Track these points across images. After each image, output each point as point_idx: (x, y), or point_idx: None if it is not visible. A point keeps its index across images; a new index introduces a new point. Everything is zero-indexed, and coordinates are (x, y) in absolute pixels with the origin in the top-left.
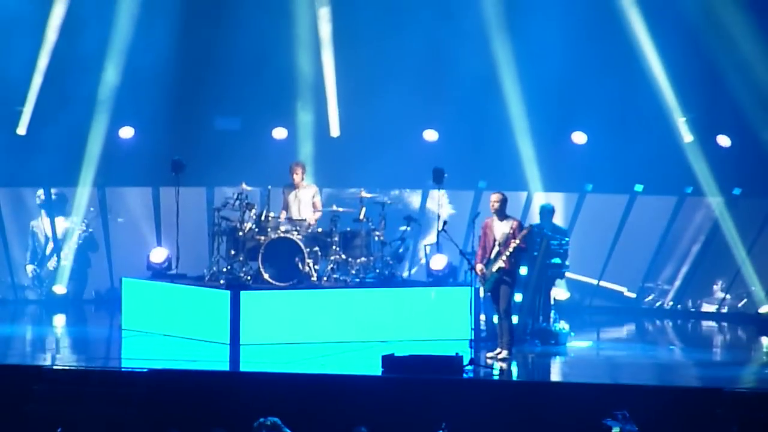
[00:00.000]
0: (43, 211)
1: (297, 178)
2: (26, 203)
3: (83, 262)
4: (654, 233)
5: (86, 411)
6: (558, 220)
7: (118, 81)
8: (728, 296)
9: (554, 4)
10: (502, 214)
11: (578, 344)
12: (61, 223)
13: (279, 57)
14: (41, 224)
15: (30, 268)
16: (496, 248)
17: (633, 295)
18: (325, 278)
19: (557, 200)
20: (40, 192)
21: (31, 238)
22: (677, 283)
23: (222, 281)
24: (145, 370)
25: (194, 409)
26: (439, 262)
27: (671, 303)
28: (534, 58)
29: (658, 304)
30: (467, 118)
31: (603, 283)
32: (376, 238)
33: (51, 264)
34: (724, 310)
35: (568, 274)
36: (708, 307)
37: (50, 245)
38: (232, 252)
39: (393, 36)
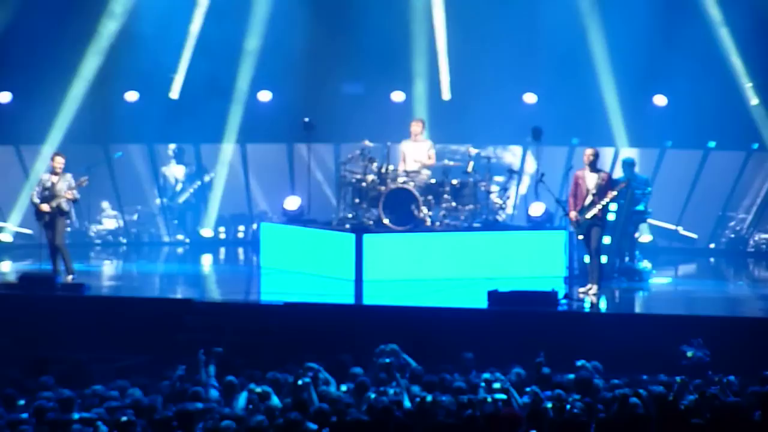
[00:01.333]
0: (173, 161)
1: (417, 129)
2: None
3: (202, 203)
4: (726, 184)
5: (230, 339)
6: (639, 172)
7: (258, 50)
8: None
9: None
10: (593, 167)
11: (659, 281)
12: (182, 170)
13: (398, 29)
14: (171, 171)
15: (158, 201)
16: (590, 197)
17: (695, 236)
18: (437, 223)
19: (639, 155)
20: (172, 146)
21: (163, 180)
22: (746, 225)
23: (347, 226)
24: (281, 303)
25: (323, 338)
26: (537, 209)
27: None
28: (621, 29)
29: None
30: (562, 83)
31: (681, 230)
32: (482, 188)
33: (181, 199)
34: None
35: (649, 220)
36: None
37: (179, 186)
38: (356, 200)
39: (497, 10)
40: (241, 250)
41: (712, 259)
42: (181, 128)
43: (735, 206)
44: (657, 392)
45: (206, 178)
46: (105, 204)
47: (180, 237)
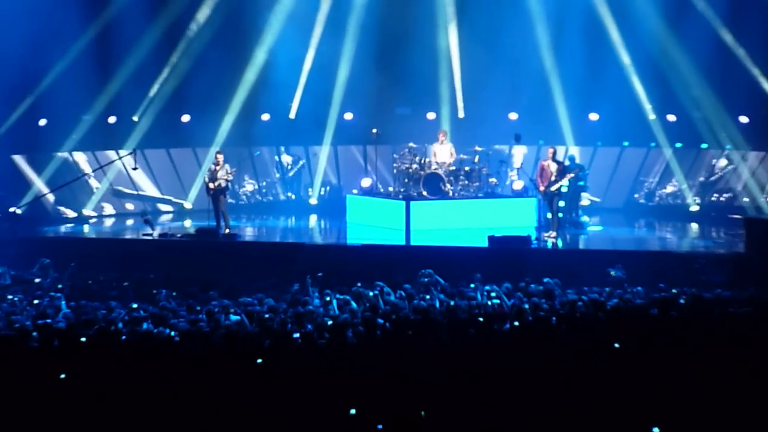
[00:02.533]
0: (284, 153)
1: (442, 137)
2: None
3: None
4: (634, 168)
5: (327, 268)
6: (579, 161)
7: (343, 85)
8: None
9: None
10: (554, 159)
11: (593, 228)
12: (290, 159)
13: (430, 71)
14: (284, 158)
15: (276, 175)
16: (553, 177)
17: (598, 199)
18: (456, 194)
19: (580, 151)
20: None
21: (279, 163)
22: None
23: (400, 196)
24: (359, 244)
25: (386, 266)
26: (518, 185)
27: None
28: (568, 65)
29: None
30: (533, 105)
31: (589, 196)
32: (484, 172)
33: (290, 173)
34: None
35: (584, 194)
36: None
37: (288, 167)
38: (406, 180)
39: (493, 55)
40: (333, 213)
41: (632, 217)
42: (296, 136)
43: (641, 184)
44: (593, 298)
45: (301, 163)
46: (246, 177)
47: (291, 196)
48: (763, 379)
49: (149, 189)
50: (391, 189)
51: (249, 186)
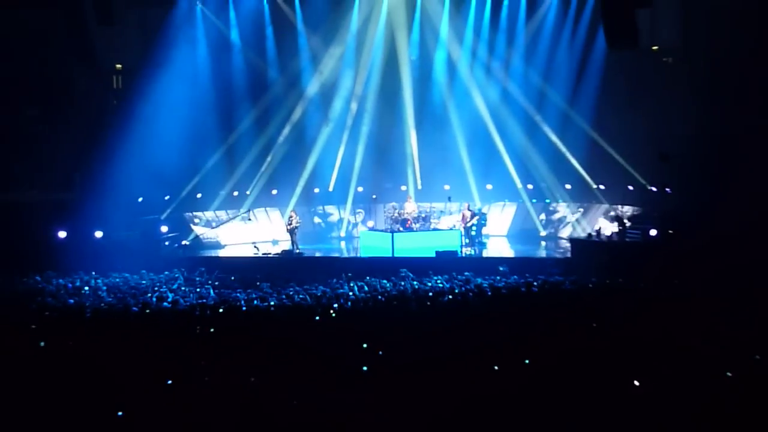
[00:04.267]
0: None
1: (410, 200)
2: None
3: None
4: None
5: (352, 270)
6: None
7: (358, 170)
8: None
9: None
10: (468, 208)
11: (491, 247)
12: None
13: (402, 160)
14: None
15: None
16: (469, 219)
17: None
18: (418, 229)
19: (480, 205)
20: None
21: (323, 214)
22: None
23: (389, 231)
24: (366, 257)
25: (382, 267)
26: (445, 223)
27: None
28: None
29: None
30: (459, 181)
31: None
32: (432, 218)
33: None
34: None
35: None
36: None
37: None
38: (391, 222)
39: (435, 151)
40: (347, 241)
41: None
42: (333, 200)
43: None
44: (490, 282)
45: (335, 216)
46: (315, 218)
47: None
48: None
49: (258, 230)
50: (383, 226)
51: (316, 218)
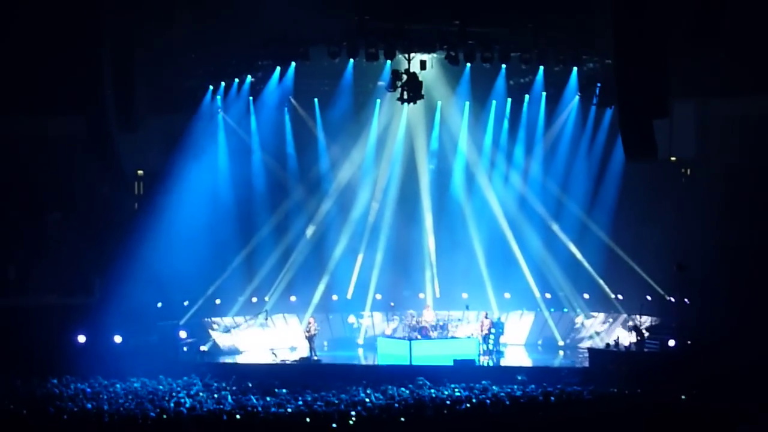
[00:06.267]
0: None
1: (428, 308)
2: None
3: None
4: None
5: (370, 378)
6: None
7: (376, 279)
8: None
9: None
10: (487, 317)
11: (509, 355)
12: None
13: (420, 268)
14: (349, 319)
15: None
16: (486, 328)
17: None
18: (436, 337)
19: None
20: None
21: (345, 321)
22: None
23: (406, 338)
24: (384, 364)
25: (400, 375)
26: (463, 332)
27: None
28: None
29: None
30: (476, 290)
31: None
32: (450, 326)
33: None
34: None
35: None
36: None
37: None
38: (409, 330)
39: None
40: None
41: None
42: (351, 308)
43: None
44: (507, 392)
45: (354, 322)
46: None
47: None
48: None
49: (275, 336)
50: (401, 334)
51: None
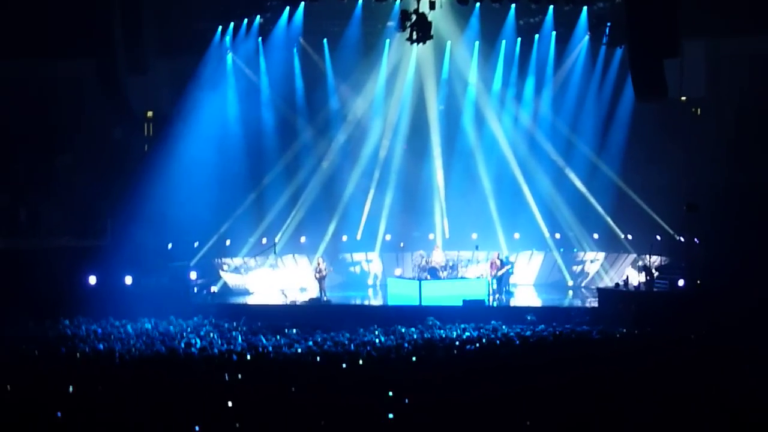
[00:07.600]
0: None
1: (437, 248)
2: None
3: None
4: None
5: (378, 317)
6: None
7: (386, 219)
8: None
9: None
10: (498, 257)
11: (518, 295)
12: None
13: (430, 209)
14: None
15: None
16: (498, 270)
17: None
18: (445, 277)
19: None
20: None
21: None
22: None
23: (416, 278)
24: (393, 305)
25: (409, 315)
26: (472, 272)
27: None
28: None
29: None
30: (486, 229)
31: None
32: (459, 266)
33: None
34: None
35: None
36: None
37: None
38: (419, 270)
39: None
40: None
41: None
42: (361, 247)
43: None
44: (517, 332)
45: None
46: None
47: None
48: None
49: (286, 276)
50: (411, 274)
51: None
